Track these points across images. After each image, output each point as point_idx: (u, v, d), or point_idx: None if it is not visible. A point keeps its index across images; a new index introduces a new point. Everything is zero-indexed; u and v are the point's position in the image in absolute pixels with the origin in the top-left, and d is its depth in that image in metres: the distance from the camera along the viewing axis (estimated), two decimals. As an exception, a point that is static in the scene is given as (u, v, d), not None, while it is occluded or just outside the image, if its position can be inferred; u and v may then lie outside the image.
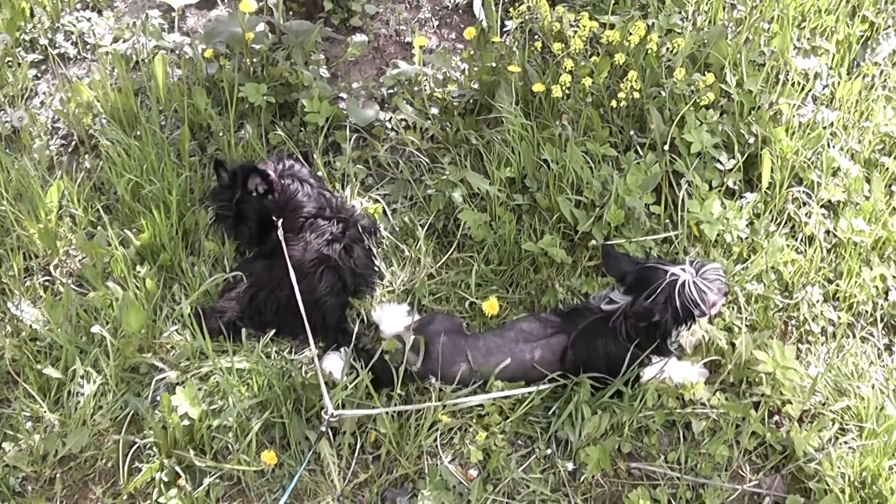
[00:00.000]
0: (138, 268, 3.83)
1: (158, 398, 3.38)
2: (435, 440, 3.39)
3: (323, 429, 3.30)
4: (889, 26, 4.70)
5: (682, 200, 3.85)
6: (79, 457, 3.37)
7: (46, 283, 3.91)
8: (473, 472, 3.33)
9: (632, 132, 4.17)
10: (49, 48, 4.89)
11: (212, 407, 3.39)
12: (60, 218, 4.08)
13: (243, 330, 3.61)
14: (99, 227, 3.99)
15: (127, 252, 3.82)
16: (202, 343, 3.47)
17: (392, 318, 3.71)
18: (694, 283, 3.23)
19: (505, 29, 4.64)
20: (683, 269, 3.26)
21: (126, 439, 3.37)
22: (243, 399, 3.38)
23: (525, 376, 3.48)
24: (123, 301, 3.49)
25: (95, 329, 3.51)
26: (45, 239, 3.91)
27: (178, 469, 3.27)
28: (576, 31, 4.15)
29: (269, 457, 3.23)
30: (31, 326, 3.65)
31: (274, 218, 3.86)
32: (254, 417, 3.36)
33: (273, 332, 3.65)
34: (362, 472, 3.35)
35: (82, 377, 3.48)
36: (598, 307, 3.47)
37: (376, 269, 3.95)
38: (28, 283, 3.88)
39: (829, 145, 4.21)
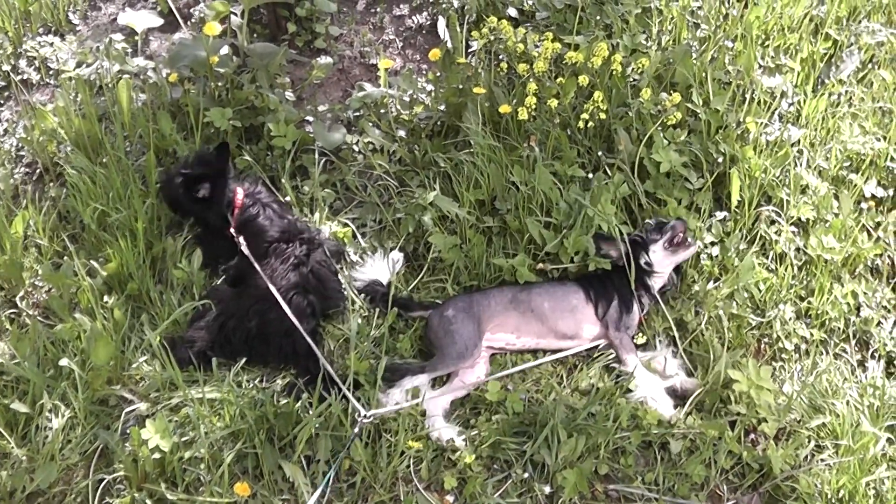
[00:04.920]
0: (106, 298, 3.79)
1: (128, 431, 3.32)
2: (408, 466, 3.36)
3: (357, 430, 3.30)
4: (852, 44, 4.74)
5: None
6: (47, 492, 3.30)
7: (12, 316, 3.85)
8: (450, 498, 3.30)
9: (600, 153, 4.17)
10: (11, 74, 4.85)
11: (183, 438, 3.34)
12: (26, 248, 4.04)
13: (214, 359, 3.56)
14: (65, 258, 3.95)
15: (94, 282, 3.78)
16: (172, 373, 3.43)
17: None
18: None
19: (470, 50, 4.64)
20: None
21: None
22: (215, 430, 3.33)
23: None
24: (91, 332, 3.46)
25: (63, 362, 3.44)
26: (11, 270, 3.86)
27: (149, 503, 3.21)
28: (540, 53, 4.15)
29: (242, 488, 3.18)
30: (-4, 360, 3.59)
31: (233, 232, 3.86)
32: (226, 448, 3.31)
33: (244, 360, 3.62)
34: (337, 500, 3.30)
35: (50, 411, 3.42)
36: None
37: (344, 291, 3.92)
38: (-7, 316, 3.83)
39: (796, 163, 4.23)
